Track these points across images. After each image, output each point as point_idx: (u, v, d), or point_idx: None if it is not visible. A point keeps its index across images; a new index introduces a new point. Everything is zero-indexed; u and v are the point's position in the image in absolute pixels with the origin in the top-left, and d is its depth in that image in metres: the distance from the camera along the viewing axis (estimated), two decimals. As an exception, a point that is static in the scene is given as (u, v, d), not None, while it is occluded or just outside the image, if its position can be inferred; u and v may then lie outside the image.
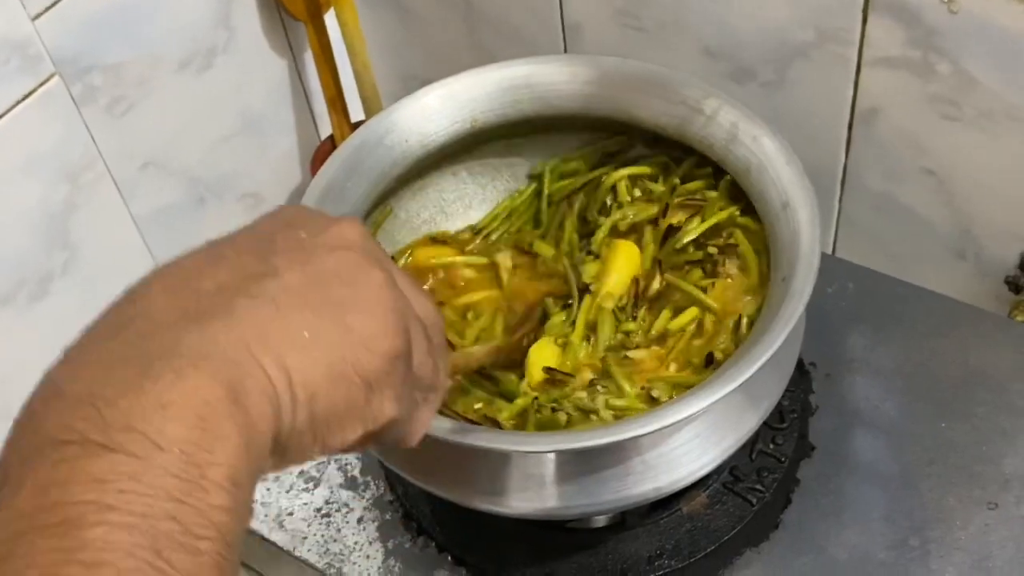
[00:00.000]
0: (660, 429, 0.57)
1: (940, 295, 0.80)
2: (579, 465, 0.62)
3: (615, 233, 0.73)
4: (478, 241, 0.76)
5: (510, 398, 0.66)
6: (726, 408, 0.63)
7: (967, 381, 0.75)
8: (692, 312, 0.69)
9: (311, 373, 0.39)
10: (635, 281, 0.71)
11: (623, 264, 0.72)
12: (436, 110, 0.72)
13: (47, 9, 0.77)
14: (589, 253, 0.73)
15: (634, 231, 0.74)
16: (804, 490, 0.72)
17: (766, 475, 0.72)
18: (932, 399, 0.74)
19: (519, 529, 0.71)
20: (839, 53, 0.82)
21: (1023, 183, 0.79)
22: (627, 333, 0.69)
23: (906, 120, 0.82)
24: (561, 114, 0.73)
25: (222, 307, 0.39)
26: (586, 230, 0.75)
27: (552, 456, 0.62)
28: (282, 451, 0.39)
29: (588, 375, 0.67)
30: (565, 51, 0.95)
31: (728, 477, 0.72)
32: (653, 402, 0.66)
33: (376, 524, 0.73)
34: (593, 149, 0.76)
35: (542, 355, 0.69)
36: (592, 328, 0.69)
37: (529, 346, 0.68)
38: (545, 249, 0.74)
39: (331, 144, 1.02)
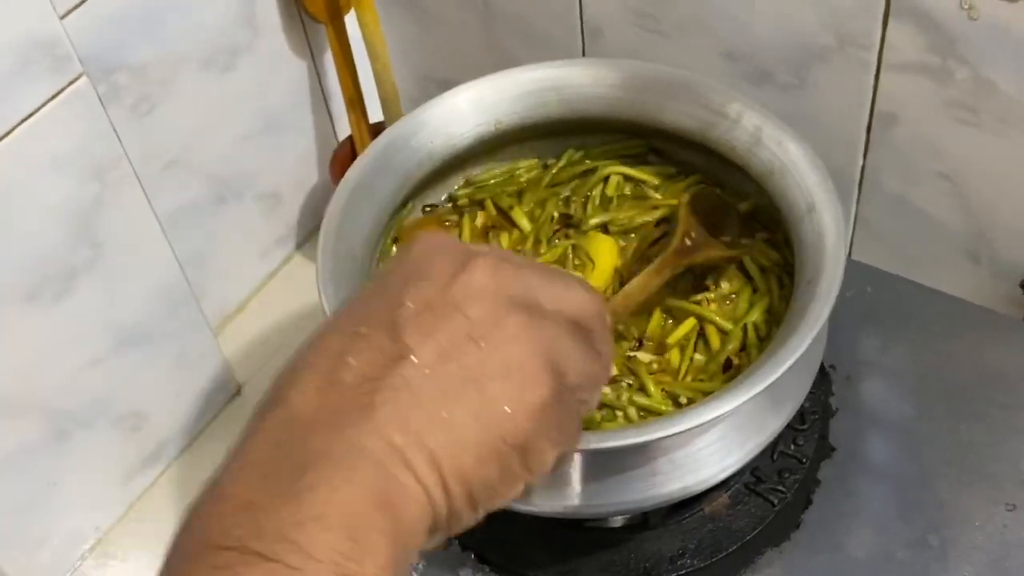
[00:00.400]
0: (690, 429, 0.58)
1: (955, 298, 0.81)
2: (606, 464, 0.63)
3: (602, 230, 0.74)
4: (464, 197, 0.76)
5: None
6: (751, 410, 0.63)
7: (982, 383, 0.76)
8: (690, 323, 0.70)
9: (460, 460, 0.40)
10: (617, 273, 0.71)
11: (604, 257, 0.72)
12: (462, 112, 0.72)
13: (75, 7, 0.78)
14: (567, 238, 0.73)
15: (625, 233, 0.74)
16: (824, 491, 0.72)
17: (787, 476, 0.73)
18: (948, 400, 0.75)
19: (542, 527, 0.72)
20: (859, 57, 0.82)
21: (1040, 187, 0.80)
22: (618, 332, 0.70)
23: (924, 125, 0.83)
24: (585, 117, 0.73)
25: (366, 405, 0.40)
26: (568, 219, 0.74)
27: (579, 455, 0.62)
28: (440, 531, 0.41)
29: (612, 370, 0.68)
30: (584, 53, 0.96)
31: (750, 478, 0.73)
32: (676, 402, 0.67)
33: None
34: (614, 148, 0.77)
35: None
36: None
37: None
38: (521, 219, 0.74)
39: (350, 145, 1.03)
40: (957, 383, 0.76)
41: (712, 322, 0.69)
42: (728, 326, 0.68)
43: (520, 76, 0.73)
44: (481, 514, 0.42)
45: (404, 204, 0.74)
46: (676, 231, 0.68)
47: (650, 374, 0.67)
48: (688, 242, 0.68)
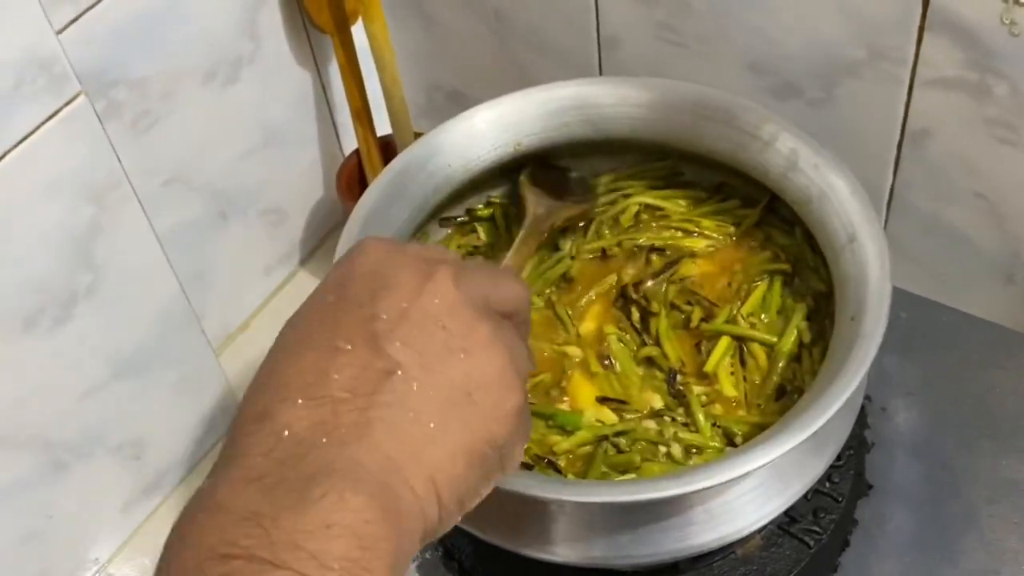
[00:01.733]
0: (728, 481, 0.54)
1: (994, 324, 0.77)
2: (638, 514, 0.59)
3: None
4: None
5: (569, 430, 0.63)
6: (793, 456, 0.59)
7: (1026, 416, 0.72)
8: (723, 343, 0.66)
9: (453, 470, 0.41)
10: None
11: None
12: (480, 133, 0.68)
13: (72, 22, 0.73)
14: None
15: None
16: (862, 531, 0.69)
17: (823, 515, 0.69)
18: (991, 434, 0.71)
19: (567, 571, 0.68)
20: (891, 72, 0.78)
21: (1080, 209, 0.76)
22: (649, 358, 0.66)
23: (959, 142, 0.79)
24: (608, 137, 0.69)
25: (362, 423, 0.40)
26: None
27: (608, 506, 0.58)
28: (429, 538, 0.42)
29: (656, 401, 0.64)
30: (600, 65, 0.91)
31: (783, 518, 0.69)
32: (729, 437, 0.63)
33: (416, 563, 0.70)
34: (642, 170, 0.73)
35: (584, 390, 0.66)
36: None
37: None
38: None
39: (356, 159, 0.99)
40: (1000, 415, 0.72)
41: (753, 339, 0.65)
42: (771, 339, 0.65)
43: (540, 95, 0.69)
44: (459, 519, 0.44)
45: (420, 228, 0.70)
46: (526, 206, 0.69)
47: (702, 406, 0.63)
48: (540, 211, 0.68)
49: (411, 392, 0.41)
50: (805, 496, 0.69)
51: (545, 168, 0.73)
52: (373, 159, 0.97)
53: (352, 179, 0.98)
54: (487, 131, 0.68)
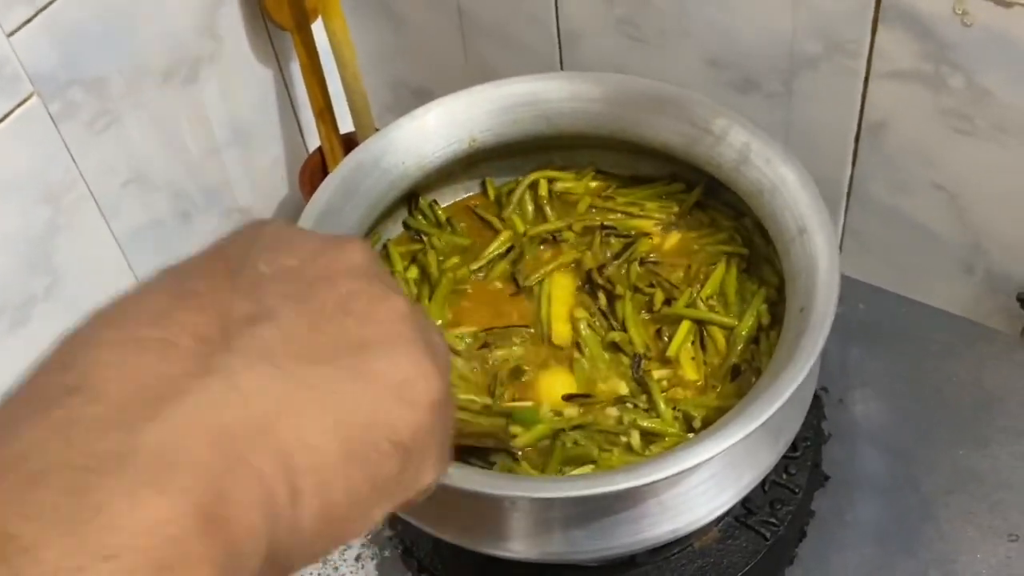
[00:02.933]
0: (679, 473, 0.54)
1: (952, 315, 0.78)
2: (590, 509, 0.59)
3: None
4: None
5: (527, 424, 0.63)
6: (745, 445, 0.59)
7: (983, 405, 0.72)
8: (684, 327, 0.66)
9: (321, 453, 0.29)
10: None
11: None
12: (433, 130, 0.68)
13: (25, 23, 0.73)
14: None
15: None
16: (819, 522, 0.69)
17: (780, 507, 0.69)
18: (948, 425, 0.72)
19: (525, 567, 0.68)
20: (847, 65, 0.79)
21: (1038, 198, 0.77)
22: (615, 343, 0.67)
23: (916, 133, 0.79)
24: (563, 133, 0.69)
25: (196, 377, 0.28)
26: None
27: (562, 501, 0.58)
28: (279, 560, 0.29)
29: (621, 388, 0.64)
30: (561, 60, 0.92)
31: (741, 510, 0.69)
32: (688, 422, 0.63)
33: (375, 562, 0.70)
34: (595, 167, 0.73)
35: (552, 381, 0.66)
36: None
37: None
38: None
39: (319, 157, 0.99)
40: (957, 405, 0.72)
41: (713, 323, 0.65)
42: (731, 322, 0.65)
43: (494, 91, 0.69)
44: (331, 548, 0.31)
45: (375, 225, 0.70)
46: None
47: (662, 392, 0.63)
48: None
49: (279, 345, 0.30)
50: (762, 487, 0.70)
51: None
52: (336, 156, 0.97)
53: (315, 177, 0.98)
54: (440, 128, 0.68)
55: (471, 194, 0.74)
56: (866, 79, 0.79)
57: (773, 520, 0.69)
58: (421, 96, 1.05)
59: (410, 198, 0.71)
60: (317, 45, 0.95)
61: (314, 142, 1.04)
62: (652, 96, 0.67)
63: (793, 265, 0.61)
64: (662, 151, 0.68)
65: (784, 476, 0.70)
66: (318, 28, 0.95)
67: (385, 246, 0.70)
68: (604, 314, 0.67)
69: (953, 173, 0.80)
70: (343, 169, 0.66)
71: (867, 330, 0.76)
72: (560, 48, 0.91)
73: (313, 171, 0.98)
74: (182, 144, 0.92)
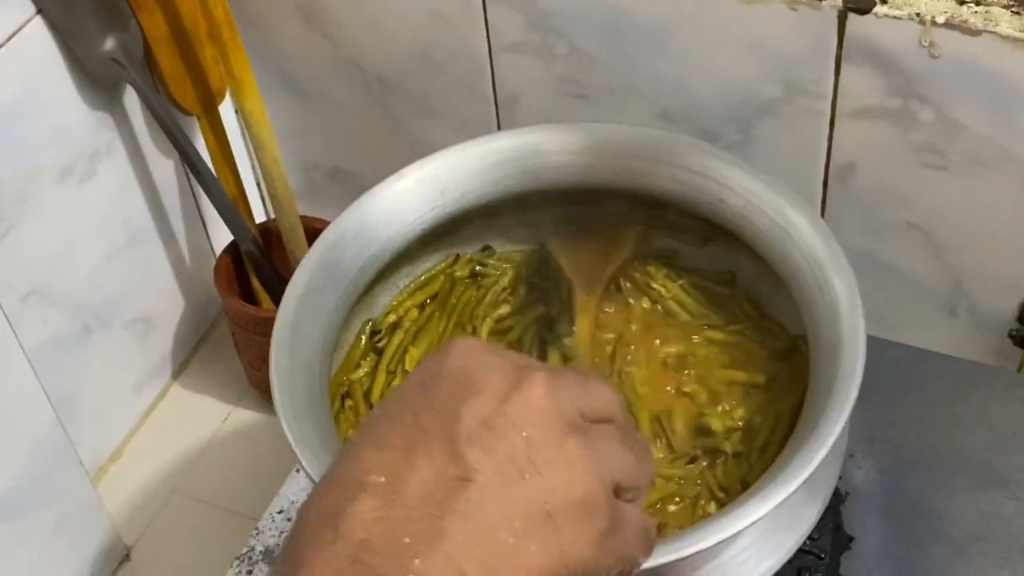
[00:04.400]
0: (720, 543, 0.57)
1: (948, 356, 0.83)
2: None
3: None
4: None
5: None
6: (784, 507, 0.63)
7: (997, 446, 0.77)
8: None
9: None
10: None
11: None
12: (414, 195, 0.71)
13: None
14: None
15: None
16: (851, 587, 0.73)
17: (808, 575, 0.73)
18: (965, 470, 0.77)
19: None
20: (810, 107, 0.85)
21: (1018, 227, 0.83)
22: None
23: (887, 173, 0.86)
24: (551, 188, 0.73)
25: (434, 532, 0.41)
26: None
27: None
28: None
29: None
30: (499, 124, 0.96)
31: (768, 583, 0.72)
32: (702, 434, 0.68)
33: None
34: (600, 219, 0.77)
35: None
36: None
37: None
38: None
39: (234, 251, 0.99)
40: (970, 450, 0.77)
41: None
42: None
43: (475, 149, 0.72)
44: None
45: (360, 300, 0.72)
46: (565, 276, 0.74)
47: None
48: (580, 277, 0.73)
49: (487, 503, 0.42)
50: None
51: (569, 222, 0.77)
52: (260, 248, 0.98)
53: (230, 274, 0.99)
54: (421, 192, 0.70)
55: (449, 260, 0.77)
56: (831, 120, 0.85)
57: (803, 590, 0.72)
58: (337, 178, 1.08)
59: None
60: (225, 128, 0.97)
61: (219, 238, 1.05)
62: (643, 143, 0.71)
63: (813, 312, 0.65)
64: (659, 200, 0.72)
65: (808, 543, 0.73)
66: (225, 110, 0.97)
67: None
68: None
69: (928, 211, 0.86)
70: (321, 245, 0.68)
71: (868, 381, 0.81)
72: (497, 112, 0.95)
73: (228, 268, 0.99)
74: (80, 249, 0.92)
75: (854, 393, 0.61)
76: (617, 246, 0.75)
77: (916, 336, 0.88)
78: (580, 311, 0.73)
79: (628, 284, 0.76)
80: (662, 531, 0.66)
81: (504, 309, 0.76)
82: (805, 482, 0.59)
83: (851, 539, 0.75)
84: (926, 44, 0.78)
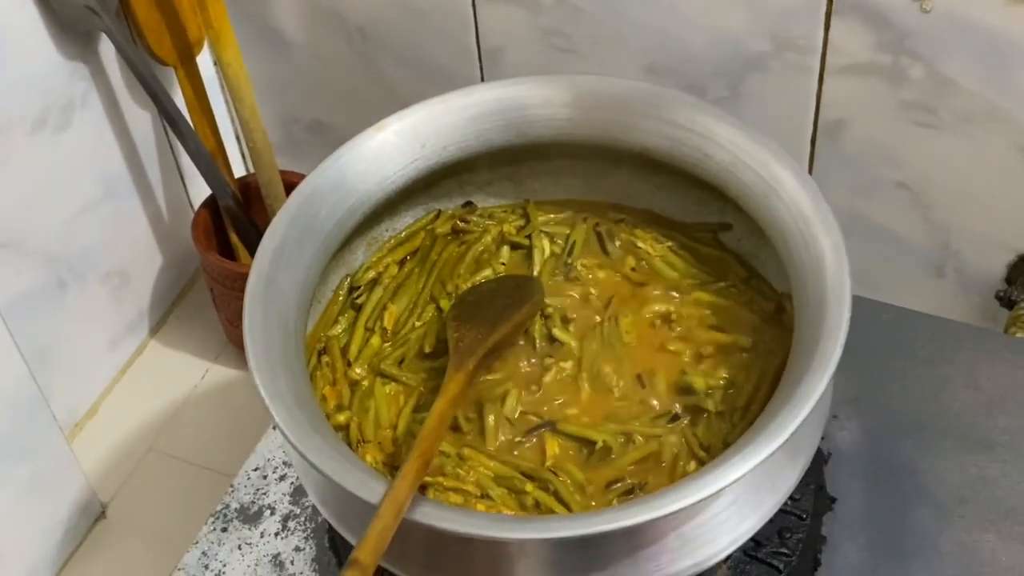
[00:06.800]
0: (701, 501, 0.57)
1: (935, 317, 0.83)
2: (607, 547, 0.61)
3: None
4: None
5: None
6: (766, 466, 0.63)
7: (983, 408, 0.77)
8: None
9: None
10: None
11: None
12: (393, 148, 0.70)
13: None
14: None
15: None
16: (832, 547, 0.72)
17: (789, 536, 0.72)
18: (951, 431, 0.76)
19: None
20: (799, 62, 0.84)
21: (1008, 187, 0.83)
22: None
23: (876, 130, 0.85)
24: (534, 143, 0.72)
25: None
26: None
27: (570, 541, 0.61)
28: None
29: None
30: (482, 76, 0.95)
31: (748, 543, 0.71)
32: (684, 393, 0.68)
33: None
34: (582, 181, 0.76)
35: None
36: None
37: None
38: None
39: (212, 206, 0.99)
40: (957, 410, 0.77)
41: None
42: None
43: (458, 101, 0.71)
44: None
45: (337, 255, 0.71)
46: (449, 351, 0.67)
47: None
48: (461, 345, 0.66)
49: None
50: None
51: (473, 292, 0.73)
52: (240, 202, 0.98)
53: (208, 228, 0.98)
54: (400, 144, 0.70)
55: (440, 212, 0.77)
56: (820, 76, 0.85)
57: (784, 550, 0.72)
58: (316, 131, 1.07)
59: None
60: (204, 80, 0.96)
61: (197, 192, 1.04)
62: (629, 97, 0.70)
63: (799, 269, 0.65)
64: (643, 155, 0.71)
65: (789, 503, 0.73)
66: (203, 61, 0.96)
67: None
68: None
69: (916, 170, 0.86)
70: (297, 197, 0.67)
71: (852, 341, 0.81)
72: (481, 65, 0.94)
73: (205, 223, 0.98)
74: (55, 202, 0.92)
75: (838, 352, 0.61)
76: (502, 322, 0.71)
77: (902, 296, 0.88)
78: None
79: (616, 243, 0.75)
80: (643, 490, 0.65)
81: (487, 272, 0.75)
82: (787, 441, 0.59)
83: (833, 500, 0.75)
84: (917, -1, 0.77)
